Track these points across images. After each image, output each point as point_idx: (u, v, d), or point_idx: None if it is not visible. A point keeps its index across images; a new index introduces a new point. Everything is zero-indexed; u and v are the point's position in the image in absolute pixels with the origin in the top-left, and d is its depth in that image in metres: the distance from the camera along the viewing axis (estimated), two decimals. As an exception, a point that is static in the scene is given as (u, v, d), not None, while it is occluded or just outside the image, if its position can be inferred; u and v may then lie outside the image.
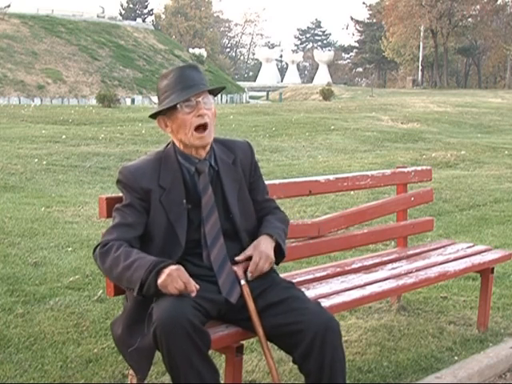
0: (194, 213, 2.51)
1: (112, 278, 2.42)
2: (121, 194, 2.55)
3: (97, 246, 2.45)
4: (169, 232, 2.46)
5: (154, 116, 2.58)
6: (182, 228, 2.47)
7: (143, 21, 72.05)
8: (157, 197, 2.47)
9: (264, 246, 2.53)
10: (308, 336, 2.34)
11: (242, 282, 2.47)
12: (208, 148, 2.56)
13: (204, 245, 2.50)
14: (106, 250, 2.39)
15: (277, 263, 2.64)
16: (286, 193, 3.35)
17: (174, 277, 2.24)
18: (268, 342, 2.43)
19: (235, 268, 2.50)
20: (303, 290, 2.62)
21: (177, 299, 2.24)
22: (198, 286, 2.27)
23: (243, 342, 2.52)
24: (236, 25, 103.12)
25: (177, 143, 2.56)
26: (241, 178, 2.63)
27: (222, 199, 2.56)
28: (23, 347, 3.20)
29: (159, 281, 2.24)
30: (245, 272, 2.51)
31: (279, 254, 2.60)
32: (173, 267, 2.27)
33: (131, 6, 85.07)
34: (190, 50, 48.58)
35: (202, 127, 2.48)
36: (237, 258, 2.50)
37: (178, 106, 2.47)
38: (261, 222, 2.67)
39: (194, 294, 2.26)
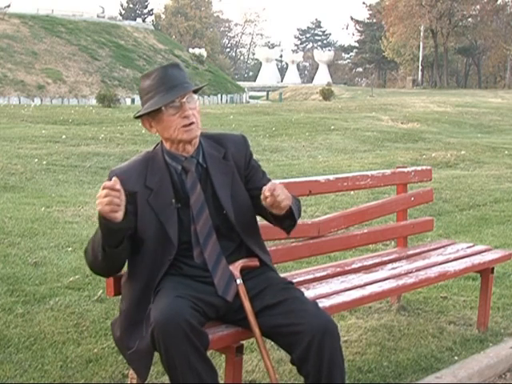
0: (184, 212, 2.48)
1: (94, 260, 2.39)
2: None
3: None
4: (160, 233, 2.44)
5: (138, 116, 2.54)
6: (173, 228, 2.45)
7: (143, 21, 72.01)
8: (144, 198, 2.45)
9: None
10: (306, 338, 2.32)
11: (238, 281, 2.45)
12: (196, 143, 2.54)
13: (195, 243, 2.47)
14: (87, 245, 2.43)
15: (288, 232, 2.64)
16: (285, 193, 3.34)
17: (100, 193, 2.20)
18: (266, 343, 2.43)
19: (231, 267, 2.48)
20: (303, 290, 2.62)
21: (174, 300, 2.23)
22: (116, 179, 2.22)
23: (243, 342, 2.51)
24: (236, 25, 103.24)
25: (164, 142, 2.54)
26: (233, 172, 2.58)
27: (213, 196, 2.52)
28: (23, 347, 3.20)
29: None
30: (241, 271, 2.49)
31: (291, 220, 2.55)
32: None
33: (131, 5, 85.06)
34: (190, 50, 48.56)
35: (188, 125, 2.46)
36: (262, 196, 2.34)
37: (163, 108, 2.44)
38: None
39: (117, 186, 2.19)
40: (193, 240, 2.47)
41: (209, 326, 2.39)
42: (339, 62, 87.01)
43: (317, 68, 74.18)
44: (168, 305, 2.21)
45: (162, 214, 2.45)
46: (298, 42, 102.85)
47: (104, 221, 2.23)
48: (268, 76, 70.45)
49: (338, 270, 3.49)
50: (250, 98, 48.05)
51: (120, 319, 2.47)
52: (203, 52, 46.93)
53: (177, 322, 2.17)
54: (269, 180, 2.62)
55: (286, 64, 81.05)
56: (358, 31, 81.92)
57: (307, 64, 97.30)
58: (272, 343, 2.97)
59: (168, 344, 2.18)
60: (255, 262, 2.55)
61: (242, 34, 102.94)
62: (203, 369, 2.24)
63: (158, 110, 2.45)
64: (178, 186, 2.50)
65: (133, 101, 32.29)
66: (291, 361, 2.42)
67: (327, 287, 3.13)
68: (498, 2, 62.16)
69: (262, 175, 2.69)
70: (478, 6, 60.63)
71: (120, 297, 2.59)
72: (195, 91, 2.53)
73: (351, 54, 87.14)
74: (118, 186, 2.20)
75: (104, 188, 2.19)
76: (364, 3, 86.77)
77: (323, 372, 2.34)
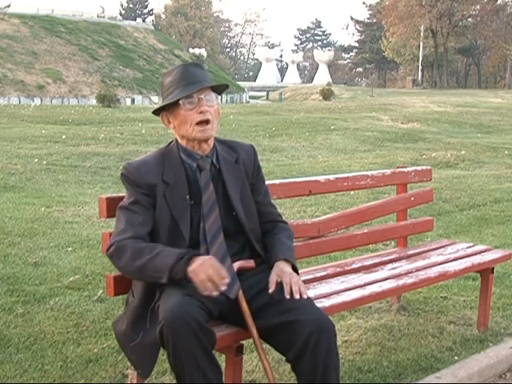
0: (195, 210, 2.51)
1: (131, 269, 2.37)
2: (121, 194, 2.56)
3: (110, 246, 2.42)
4: (173, 228, 2.47)
5: (157, 113, 2.60)
6: (185, 224, 2.47)
7: (143, 21, 72.03)
8: (161, 192, 2.47)
9: (287, 269, 2.53)
10: (303, 336, 2.33)
11: None
12: (211, 144, 2.58)
13: (203, 241, 2.50)
14: (124, 246, 2.37)
15: None
16: (286, 193, 3.34)
17: (207, 265, 2.26)
18: (263, 343, 2.43)
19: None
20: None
21: (183, 298, 2.24)
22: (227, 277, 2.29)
23: (243, 342, 2.52)
24: (236, 25, 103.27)
25: (179, 139, 2.57)
26: (243, 177, 2.63)
27: (223, 197, 2.56)
28: (23, 347, 3.20)
29: (190, 268, 2.25)
30: (238, 273, 2.49)
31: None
32: (206, 257, 2.30)
33: (131, 5, 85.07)
34: (190, 50, 48.59)
35: (204, 122, 2.49)
36: (270, 291, 2.46)
37: (180, 102, 2.48)
38: (271, 239, 2.66)
39: (226, 282, 2.27)
40: (200, 237, 2.50)
41: (210, 325, 2.39)
42: (339, 62, 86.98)
43: (317, 68, 74.16)
44: (177, 303, 2.23)
45: (176, 210, 2.47)
46: (298, 42, 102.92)
47: (184, 276, 2.27)
48: (268, 76, 70.51)
49: (338, 270, 3.49)
50: (250, 97, 48.07)
51: (127, 312, 2.48)
52: (203, 52, 47.02)
53: (186, 320, 2.19)
54: (270, 197, 2.75)
55: (286, 64, 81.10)
56: (358, 31, 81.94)
57: (307, 64, 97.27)
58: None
59: (176, 342, 2.19)
60: (251, 264, 2.56)
61: (242, 33, 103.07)
62: (209, 368, 2.25)
63: (175, 104, 2.49)
64: (192, 183, 2.53)
65: (133, 101, 32.34)
66: (286, 359, 2.42)
67: (327, 287, 3.13)
68: (498, 2, 62.21)
69: (264, 194, 2.74)
70: (478, 6, 60.67)
71: (130, 291, 2.58)
72: (215, 91, 2.57)
73: (351, 53, 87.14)
74: (226, 281, 2.28)
75: (219, 270, 2.27)
76: (364, 3, 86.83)
77: (318, 370, 2.34)
